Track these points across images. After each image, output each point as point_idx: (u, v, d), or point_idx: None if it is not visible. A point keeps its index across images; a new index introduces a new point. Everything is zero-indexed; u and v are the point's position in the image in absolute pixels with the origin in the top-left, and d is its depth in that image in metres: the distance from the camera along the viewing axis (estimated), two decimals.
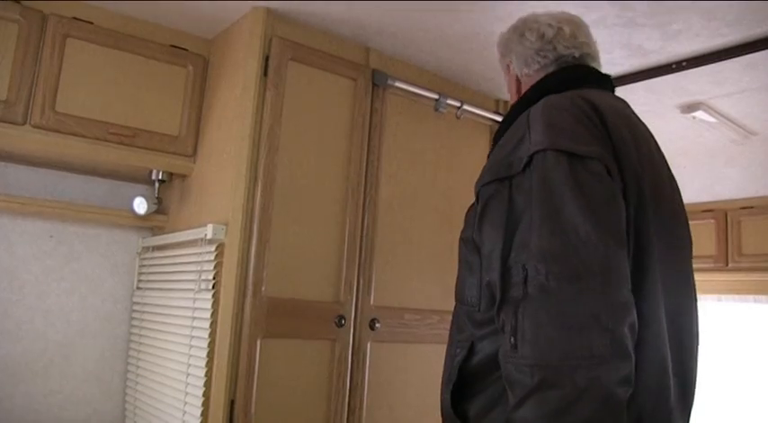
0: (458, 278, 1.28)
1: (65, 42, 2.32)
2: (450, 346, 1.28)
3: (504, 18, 2.30)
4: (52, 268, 2.61)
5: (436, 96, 2.76)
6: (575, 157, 1.07)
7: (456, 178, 2.85)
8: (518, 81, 1.46)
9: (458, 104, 2.86)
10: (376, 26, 2.45)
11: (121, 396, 2.73)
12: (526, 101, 1.30)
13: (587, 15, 2.20)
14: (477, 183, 1.22)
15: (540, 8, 2.11)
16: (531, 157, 1.10)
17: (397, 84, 2.62)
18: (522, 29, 1.44)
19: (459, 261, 1.28)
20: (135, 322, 2.75)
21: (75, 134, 2.30)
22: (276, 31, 2.36)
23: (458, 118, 2.89)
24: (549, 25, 1.40)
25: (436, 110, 2.79)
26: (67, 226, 2.67)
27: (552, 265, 1.00)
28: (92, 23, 2.37)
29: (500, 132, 1.33)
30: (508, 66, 1.49)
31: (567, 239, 1.01)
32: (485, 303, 1.15)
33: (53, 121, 2.28)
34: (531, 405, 0.97)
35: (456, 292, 1.29)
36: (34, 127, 2.26)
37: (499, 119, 3.05)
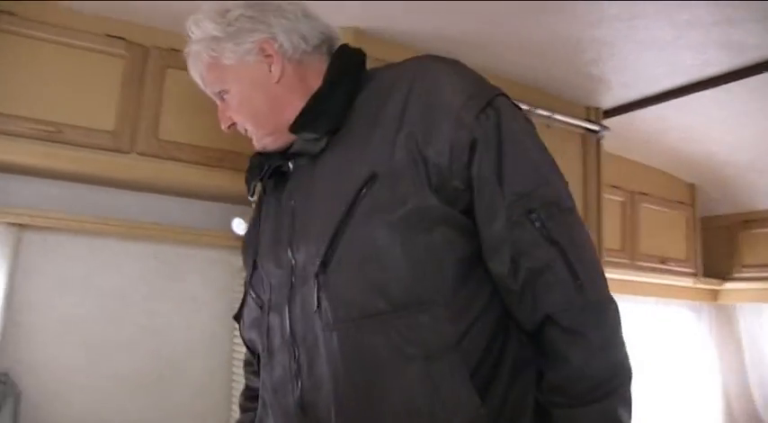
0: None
1: (165, 73, 2.46)
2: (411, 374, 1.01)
3: (593, 22, 2.27)
4: (158, 288, 2.74)
5: (526, 107, 2.74)
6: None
7: None
8: None
9: (548, 114, 2.82)
10: (462, 39, 2.46)
11: (227, 410, 2.83)
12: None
13: (679, 15, 2.15)
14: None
15: (625, 8, 2.08)
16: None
17: None
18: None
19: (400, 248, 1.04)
20: (237, 340, 2.83)
21: (175, 159, 2.42)
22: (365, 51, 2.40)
23: (548, 127, 2.85)
24: None
25: (548, 126, 2.77)
26: (170, 247, 2.80)
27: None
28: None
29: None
30: (265, 43, 1.23)
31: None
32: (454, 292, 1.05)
33: (156, 148, 2.40)
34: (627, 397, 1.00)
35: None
36: (139, 154, 2.39)
37: (592, 126, 2.99)
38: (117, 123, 2.37)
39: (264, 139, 1.24)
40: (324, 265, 1.05)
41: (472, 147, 1.03)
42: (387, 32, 2.41)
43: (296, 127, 1.17)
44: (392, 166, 1.03)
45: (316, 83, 1.20)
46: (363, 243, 1.03)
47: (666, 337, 4.10)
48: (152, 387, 2.68)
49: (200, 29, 1.22)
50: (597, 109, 3.09)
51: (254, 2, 1.21)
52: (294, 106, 1.18)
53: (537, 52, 2.56)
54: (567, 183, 1.11)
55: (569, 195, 1.09)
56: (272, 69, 1.19)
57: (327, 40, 1.26)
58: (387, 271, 1.01)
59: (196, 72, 1.28)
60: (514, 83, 2.81)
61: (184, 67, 2.43)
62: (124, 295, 2.68)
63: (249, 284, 1.29)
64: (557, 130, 2.90)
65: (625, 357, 1.01)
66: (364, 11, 2.27)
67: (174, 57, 2.47)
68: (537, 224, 1.01)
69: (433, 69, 1.11)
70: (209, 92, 1.28)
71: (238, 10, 1.19)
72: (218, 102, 1.27)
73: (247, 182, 1.28)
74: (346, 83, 1.17)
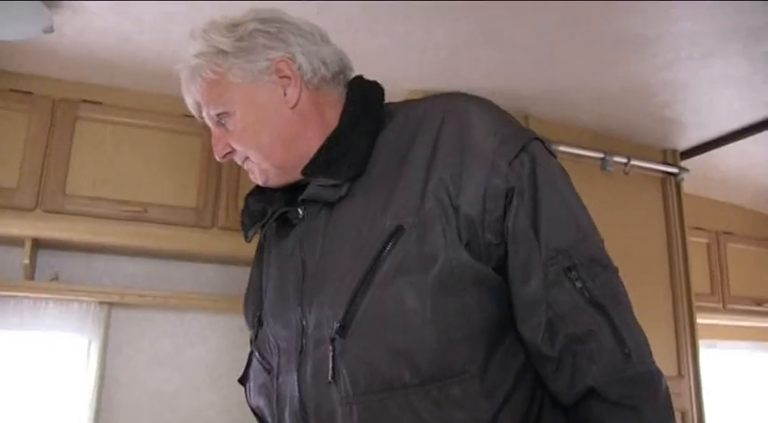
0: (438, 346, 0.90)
1: None
2: None
3: (665, 65, 2.24)
4: (244, 360, 2.73)
5: (602, 155, 2.70)
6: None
7: (631, 235, 2.74)
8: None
9: (625, 160, 2.77)
10: (533, 93, 2.46)
11: None
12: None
13: (756, 49, 2.10)
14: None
15: (697, 48, 2.04)
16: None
17: (561, 148, 2.59)
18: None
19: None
20: None
21: None
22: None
23: (626, 174, 2.80)
24: None
25: (603, 168, 2.72)
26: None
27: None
28: None
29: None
30: (282, 62, 1.08)
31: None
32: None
33: (236, 222, 2.43)
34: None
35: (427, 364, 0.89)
36: (220, 229, 2.45)
37: (670, 169, 2.92)
38: (198, 199, 2.44)
39: (268, 173, 1.08)
40: (342, 329, 0.91)
41: (507, 197, 0.91)
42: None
43: (311, 170, 1.02)
44: (420, 218, 0.90)
45: (331, 116, 1.06)
46: (388, 306, 0.89)
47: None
48: None
49: (203, 42, 1.06)
50: (674, 151, 3.03)
51: (270, 17, 1.07)
52: (307, 139, 1.05)
53: (610, 100, 2.53)
54: (603, 240, 0.98)
55: (607, 253, 0.96)
56: (288, 93, 1.04)
57: (345, 68, 1.11)
58: (414, 338, 0.88)
59: (192, 89, 1.08)
60: (590, 131, 2.78)
61: None
62: (212, 369, 2.70)
63: (254, 345, 1.14)
64: (635, 176, 2.84)
65: None
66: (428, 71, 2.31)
67: None
68: (578, 284, 0.89)
69: (464, 108, 0.99)
70: (203, 114, 1.10)
71: (252, 24, 1.05)
72: (214, 127, 1.09)
73: (243, 226, 1.14)
74: (368, 121, 1.03)
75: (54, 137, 2.35)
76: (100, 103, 2.43)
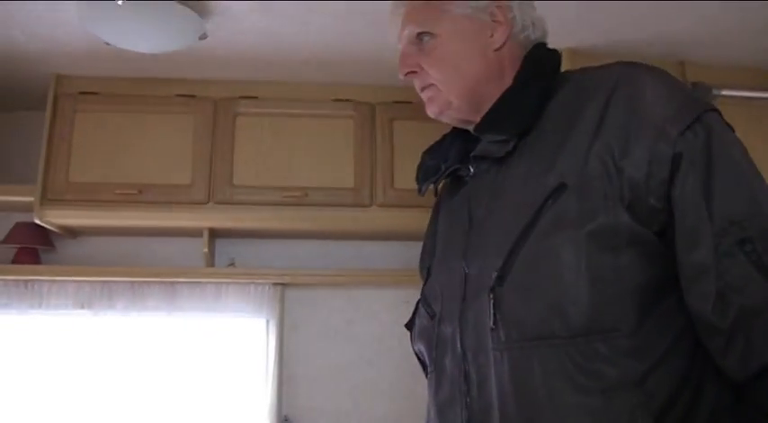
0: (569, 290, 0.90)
1: (392, 125, 2.58)
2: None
3: None
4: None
5: None
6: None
7: None
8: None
9: None
10: (689, 36, 2.30)
11: None
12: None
13: None
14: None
15: None
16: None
17: (724, 92, 2.41)
18: None
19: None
20: None
21: (413, 206, 2.49)
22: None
23: None
24: None
25: None
26: (418, 291, 2.88)
27: None
28: (411, 103, 2.60)
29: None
30: (499, 8, 1.10)
31: None
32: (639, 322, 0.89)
33: (393, 198, 2.52)
34: None
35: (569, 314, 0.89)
36: (379, 206, 2.52)
37: None
38: (356, 180, 2.53)
39: (449, 105, 1.11)
40: (500, 278, 0.94)
41: (675, 163, 0.89)
42: (600, 48, 2.33)
43: (482, 127, 1.07)
44: (583, 177, 0.92)
45: (510, 74, 1.09)
46: (545, 259, 0.91)
47: None
48: None
49: None
50: None
51: None
52: (493, 85, 1.08)
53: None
54: None
55: None
56: (495, 36, 1.08)
57: (544, 36, 1.15)
58: (567, 291, 0.89)
59: (403, 5, 1.15)
60: (756, 70, 2.56)
61: (410, 117, 2.61)
62: (381, 341, 2.81)
63: (422, 293, 1.18)
64: None
65: None
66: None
67: (399, 109, 2.60)
68: (753, 257, 0.84)
69: (639, 77, 0.98)
70: (403, 29, 1.14)
71: None
72: (406, 43, 1.14)
73: (418, 180, 1.19)
74: (540, 83, 1.06)
75: (218, 134, 2.53)
76: (256, 97, 2.58)
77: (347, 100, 2.60)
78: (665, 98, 0.94)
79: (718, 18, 2.19)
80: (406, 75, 1.14)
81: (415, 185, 1.20)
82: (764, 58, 2.50)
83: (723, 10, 2.13)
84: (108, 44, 2.17)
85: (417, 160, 1.22)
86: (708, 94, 2.37)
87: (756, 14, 2.17)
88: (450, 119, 1.14)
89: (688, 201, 0.88)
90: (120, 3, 1.89)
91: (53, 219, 2.49)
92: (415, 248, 2.86)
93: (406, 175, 2.51)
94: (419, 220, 2.47)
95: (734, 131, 0.97)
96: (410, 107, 2.58)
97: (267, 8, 2.08)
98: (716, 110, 0.95)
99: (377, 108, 2.61)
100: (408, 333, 1.21)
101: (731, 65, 2.52)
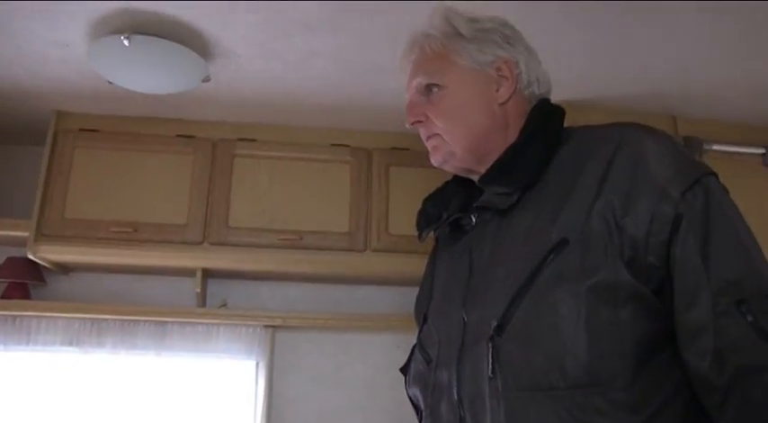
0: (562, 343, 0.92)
1: (388, 171, 2.61)
2: None
3: None
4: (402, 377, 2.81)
5: (762, 150, 2.53)
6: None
7: None
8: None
9: None
10: (680, 93, 2.36)
11: None
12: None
13: None
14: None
15: None
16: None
17: (715, 146, 2.46)
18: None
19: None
20: None
21: (407, 251, 2.51)
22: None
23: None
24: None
25: (766, 164, 2.55)
26: (411, 336, 2.84)
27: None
28: (408, 149, 2.64)
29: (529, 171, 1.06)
30: (506, 63, 1.14)
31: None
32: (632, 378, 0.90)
33: (388, 244, 2.54)
34: None
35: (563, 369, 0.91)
36: (373, 251, 2.53)
37: None
38: (351, 224, 2.54)
39: (452, 156, 1.14)
40: (500, 328, 0.95)
41: (675, 223, 0.92)
42: (599, 102, 2.38)
43: (487, 179, 1.09)
44: (585, 234, 0.94)
45: (515, 129, 1.12)
46: (545, 311, 0.93)
47: None
48: None
49: (444, 21, 1.15)
50: None
51: (507, 24, 1.18)
52: (497, 139, 1.11)
53: (766, 90, 2.37)
54: None
55: None
56: (501, 90, 1.12)
57: (548, 92, 1.19)
58: (566, 343, 0.90)
59: (413, 53, 1.19)
60: (744, 125, 2.61)
61: (406, 163, 2.63)
62: (373, 386, 2.79)
63: (418, 338, 1.20)
64: None
65: None
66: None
67: (396, 155, 2.63)
68: (749, 318, 0.86)
69: (641, 139, 1.01)
70: (412, 78, 1.18)
71: (491, 23, 1.16)
72: (414, 93, 1.17)
73: (419, 226, 1.22)
74: (545, 138, 1.09)
75: (215, 175, 2.54)
76: (254, 140, 2.60)
77: (345, 145, 2.63)
78: (666, 160, 0.97)
79: (709, 76, 2.24)
80: (412, 123, 1.16)
81: (409, 231, 1.23)
82: (752, 115, 2.55)
83: (713, 69, 2.19)
84: (111, 83, 2.20)
85: (413, 206, 1.25)
86: (699, 148, 2.42)
87: (744, 73, 2.23)
88: (453, 168, 1.17)
89: (687, 260, 0.91)
90: (126, 43, 1.93)
91: (46, 254, 2.48)
92: (409, 293, 2.86)
93: (401, 221, 2.53)
94: (413, 265, 2.50)
95: (729, 193, 1.00)
96: (407, 153, 2.62)
97: (269, 53, 2.12)
98: (714, 173, 0.98)
99: (374, 153, 2.63)
100: (402, 378, 1.21)
101: (720, 120, 2.57)
